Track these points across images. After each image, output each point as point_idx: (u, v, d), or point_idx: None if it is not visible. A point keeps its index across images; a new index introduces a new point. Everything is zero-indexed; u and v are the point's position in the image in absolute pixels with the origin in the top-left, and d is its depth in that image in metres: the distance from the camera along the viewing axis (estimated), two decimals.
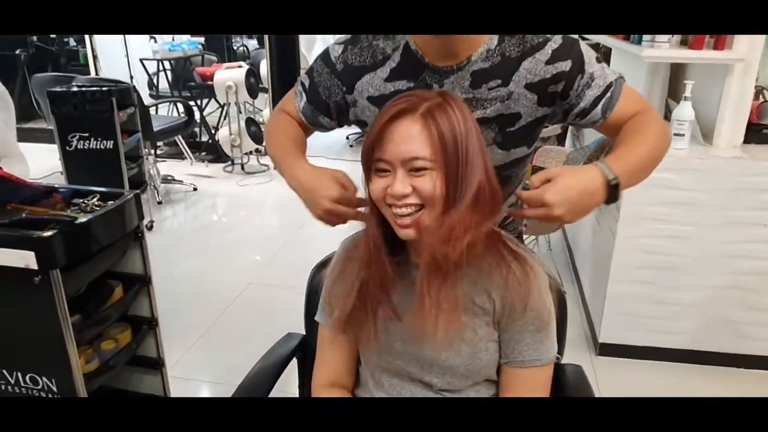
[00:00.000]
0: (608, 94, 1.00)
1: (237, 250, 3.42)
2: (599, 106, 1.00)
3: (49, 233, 1.22)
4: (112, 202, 1.44)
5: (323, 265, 1.24)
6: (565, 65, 0.98)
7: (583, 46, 1.00)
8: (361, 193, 0.97)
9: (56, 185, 1.48)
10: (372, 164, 0.89)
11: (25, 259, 1.21)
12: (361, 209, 0.97)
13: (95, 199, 1.44)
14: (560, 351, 1.15)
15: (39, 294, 1.25)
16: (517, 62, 0.98)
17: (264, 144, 1.18)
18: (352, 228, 1.03)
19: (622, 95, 1.01)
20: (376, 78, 1.05)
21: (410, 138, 0.85)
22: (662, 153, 1.00)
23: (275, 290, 2.86)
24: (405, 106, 0.86)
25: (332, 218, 0.98)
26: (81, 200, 1.43)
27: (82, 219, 1.32)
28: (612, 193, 0.89)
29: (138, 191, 1.49)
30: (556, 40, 0.98)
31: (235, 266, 3.18)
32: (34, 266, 1.22)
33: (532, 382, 0.96)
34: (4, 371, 1.41)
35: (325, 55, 1.10)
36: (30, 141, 5.63)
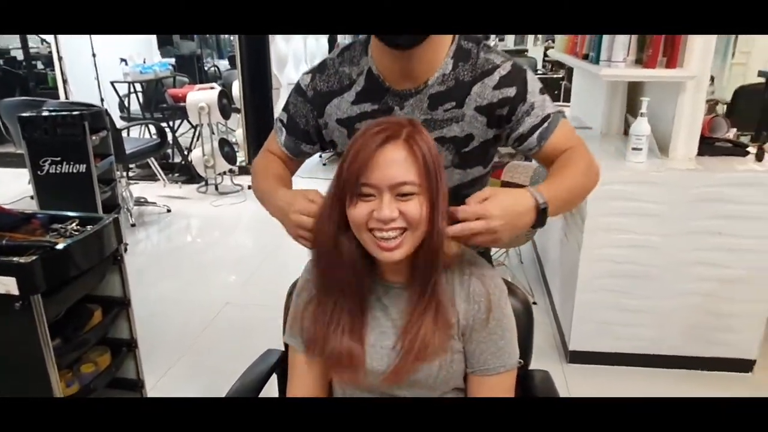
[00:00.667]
0: (545, 125, 1.07)
1: (213, 270, 3.43)
2: (535, 135, 1.07)
3: (29, 259, 1.24)
4: (90, 226, 1.46)
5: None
6: (510, 91, 1.05)
7: (530, 75, 1.08)
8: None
9: (34, 211, 1.50)
10: (356, 189, 0.89)
11: (6, 285, 1.23)
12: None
13: (74, 224, 1.46)
14: (528, 358, 1.22)
15: (20, 319, 1.27)
16: (469, 86, 1.06)
17: (251, 184, 1.22)
18: None
19: (558, 128, 1.08)
20: (343, 101, 1.11)
21: (397, 163, 0.88)
22: (590, 186, 1.07)
23: (253, 309, 2.88)
24: (389, 133, 0.88)
25: (304, 233, 0.99)
26: (60, 225, 1.45)
27: (62, 244, 1.34)
28: (540, 217, 0.94)
29: (116, 215, 1.51)
30: (505, 67, 1.06)
31: (211, 287, 3.19)
32: (15, 292, 1.23)
33: (497, 388, 1.01)
34: None
35: (296, 86, 1.17)
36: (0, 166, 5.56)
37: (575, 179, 1.03)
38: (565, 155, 1.07)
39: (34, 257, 1.25)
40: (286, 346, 1.28)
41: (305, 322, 1.03)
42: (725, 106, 4.13)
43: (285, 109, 1.19)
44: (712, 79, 4.74)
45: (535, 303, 2.85)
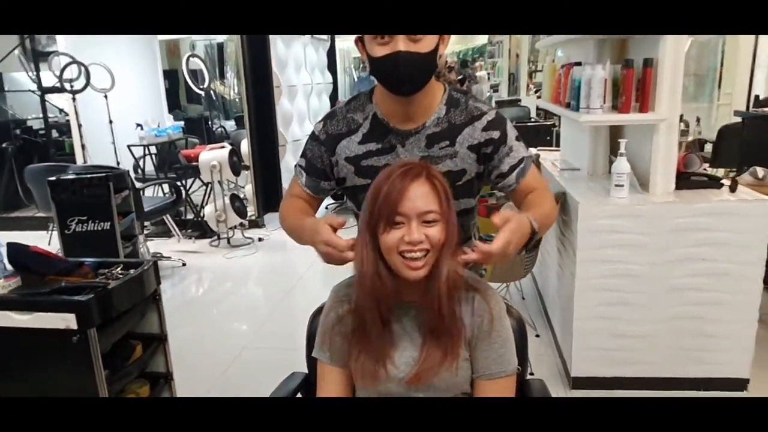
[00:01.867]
0: (521, 165, 1.31)
1: (229, 318, 3.59)
2: (514, 173, 1.31)
3: (86, 297, 1.43)
4: (133, 270, 1.65)
5: (319, 312, 1.45)
6: (495, 134, 1.29)
7: (509, 124, 1.32)
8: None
9: (83, 259, 1.69)
10: (390, 218, 1.07)
11: (66, 320, 1.41)
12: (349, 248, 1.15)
13: (118, 269, 1.66)
14: (524, 367, 1.38)
15: (77, 351, 1.44)
16: (461, 128, 1.29)
17: (281, 225, 1.41)
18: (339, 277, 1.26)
19: (531, 170, 1.32)
20: (351, 142, 1.33)
21: (423, 196, 1.08)
22: (553, 220, 1.32)
23: (269, 352, 3.03)
24: (414, 172, 1.09)
25: (330, 251, 1.13)
26: (106, 270, 1.64)
27: (113, 284, 1.53)
28: (530, 240, 1.17)
29: (155, 259, 1.71)
30: (491, 114, 1.30)
31: (227, 334, 3.34)
32: (74, 326, 1.42)
33: (500, 390, 1.18)
34: None
35: (311, 134, 1.39)
36: (17, 229, 5.78)
37: (546, 213, 1.26)
38: (536, 194, 1.31)
39: (90, 295, 1.44)
40: (309, 368, 1.45)
41: (335, 338, 1.21)
42: (711, 144, 4.39)
43: (303, 155, 1.40)
44: (698, 119, 5.03)
45: (537, 335, 3.00)
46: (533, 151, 3.52)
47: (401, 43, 1.16)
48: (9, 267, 1.54)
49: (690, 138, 4.39)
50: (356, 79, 10.83)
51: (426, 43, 1.19)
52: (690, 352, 2.42)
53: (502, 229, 1.11)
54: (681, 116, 2.61)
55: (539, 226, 1.17)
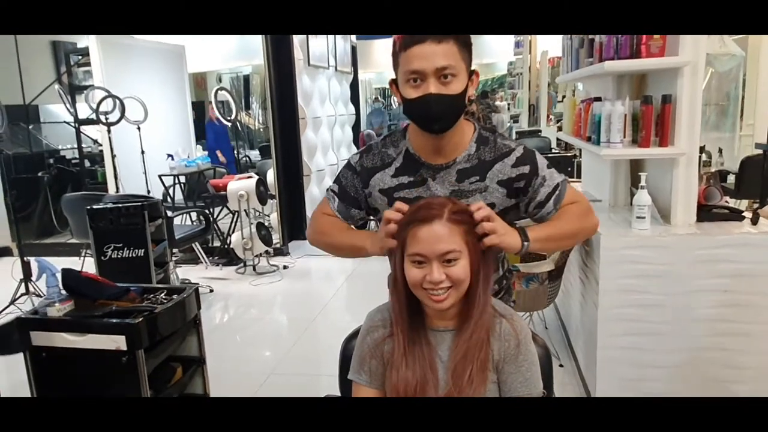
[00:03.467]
0: (557, 192, 1.39)
1: (255, 344, 3.67)
2: (551, 200, 1.39)
3: (136, 320, 1.53)
4: (176, 295, 1.75)
5: (353, 336, 1.52)
6: (525, 168, 1.37)
7: (538, 155, 1.40)
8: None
9: (130, 284, 1.80)
10: (412, 258, 1.15)
11: (116, 342, 1.51)
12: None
13: (162, 294, 1.76)
14: (550, 391, 1.44)
15: (125, 372, 1.54)
16: (491, 164, 1.38)
17: (310, 240, 1.51)
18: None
19: (568, 192, 1.40)
20: (385, 175, 1.42)
21: (442, 238, 1.14)
22: (587, 226, 1.41)
23: (295, 378, 3.09)
24: (435, 212, 1.16)
25: (394, 216, 1.21)
26: (151, 295, 1.74)
27: (159, 309, 1.63)
28: (521, 248, 1.26)
29: (197, 285, 1.81)
30: (519, 150, 1.39)
31: (254, 360, 3.42)
32: (124, 347, 1.51)
33: None
34: None
35: (347, 164, 1.49)
36: (50, 255, 5.96)
37: (565, 221, 1.35)
38: (566, 208, 1.38)
39: (139, 319, 1.54)
40: (342, 392, 1.51)
41: (372, 361, 1.28)
42: (734, 175, 4.40)
43: (336, 181, 1.50)
44: (720, 150, 5.05)
45: (561, 365, 3.02)
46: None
47: (432, 86, 1.25)
48: (63, 292, 1.65)
49: (712, 169, 4.41)
50: (369, 111, 11.03)
51: (455, 85, 1.27)
52: (714, 383, 2.43)
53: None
54: (703, 147, 2.67)
55: (540, 239, 1.27)
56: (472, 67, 1.33)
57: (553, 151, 6.72)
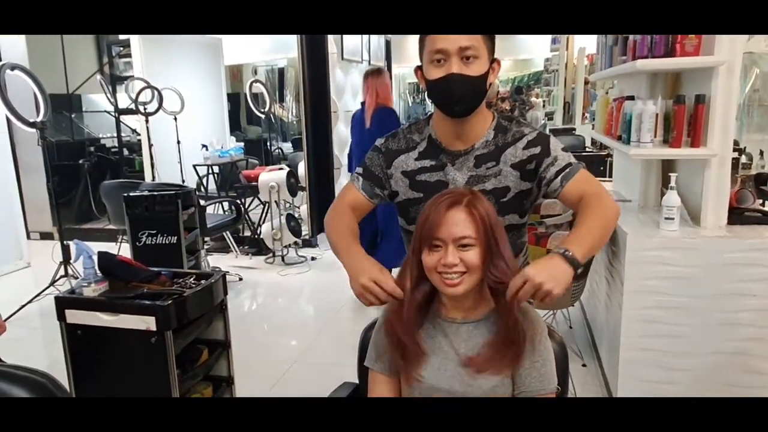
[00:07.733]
0: (567, 170, 1.40)
1: (282, 333, 3.75)
2: (559, 177, 1.40)
3: (166, 302, 1.59)
4: (204, 280, 1.82)
5: (371, 327, 1.56)
6: (536, 150, 1.42)
7: (553, 139, 1.44)
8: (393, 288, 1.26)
9: (161, 269, 1.87)
10: (430, 242, 1.19)
11: (147, 322, 1.58)
12: (391, 296, 1.25)
13: (191, 279, 1.82)
14: (566, 388, 1.45)
15: (155, 351, 1.61)
16: (505, 149, 1.42)
17: (325, 228, 1.54)
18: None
19: (579, 174, 1.41)
20: (409, 158, 1.49)
21: (460, 222, 1.18)
22: (611, 223, 1.36)
23: (318, 366, 3.15)
24: (454, 199, 1.20)
25: (367, 295, 1.25)
26: (181, 279, 1.81)
27: (188, 293, 1.69)
28: (572, 263, 1.20)
29: (224, 272, 1.87)
30: (532, 134, 1.43)
31: (280, 347, 3.50)
32: (153, 328, 1.58)
33: None
34: None
35: (374, 147, 1.55)
36: (88, 240, 6.14)
37: (593, 223, 1.31)
38: (585, 202, 1.36)
39: (169, 301, 1.61)
40: (360, 379, 1.55)
41: (382, 347, 1.32)
42: None
43: (361, 164, 1.55)
44: (762, 152, 4.91)
45: (584, 365, 3.01)
46: None
47: (455, 66, 1.31)
48: (99, 273, 1.73)
49: (753, 171, 4.29)
50: (410, 104, 11.14)
51: (477, 67, 1.33)
52: (738, 389, 2.39)
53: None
54: (743, 149, 2.61)
55: (576, 247, 1.21)
56: (502, 60, 1.37)
57: (587, 149, 6.62)
